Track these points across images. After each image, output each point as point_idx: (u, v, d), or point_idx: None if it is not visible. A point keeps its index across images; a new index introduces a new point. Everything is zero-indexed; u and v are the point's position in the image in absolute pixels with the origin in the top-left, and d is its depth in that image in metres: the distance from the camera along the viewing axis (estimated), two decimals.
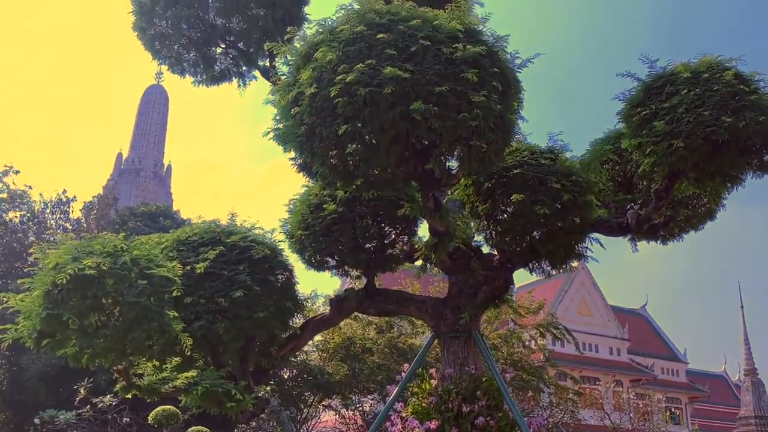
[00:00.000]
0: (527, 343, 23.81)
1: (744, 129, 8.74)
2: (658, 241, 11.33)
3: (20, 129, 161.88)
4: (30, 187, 36.16)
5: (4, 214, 35.18)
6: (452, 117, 7.77)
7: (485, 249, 11.15)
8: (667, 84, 9.46)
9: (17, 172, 35.08)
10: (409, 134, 8.03)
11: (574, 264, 11.27)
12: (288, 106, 8.36)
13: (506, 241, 10.53)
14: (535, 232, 10.29)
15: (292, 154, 9.54)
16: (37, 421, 25.55)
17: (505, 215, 10.33)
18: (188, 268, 10.31)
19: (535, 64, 9.14)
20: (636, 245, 11.31)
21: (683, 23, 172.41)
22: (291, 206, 11.64)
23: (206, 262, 10.53)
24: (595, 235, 10.86)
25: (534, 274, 11.05)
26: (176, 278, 9.15)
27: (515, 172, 10.05)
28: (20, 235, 35.36)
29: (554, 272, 10.91)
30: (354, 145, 7.95)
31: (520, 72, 8.94)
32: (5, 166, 34.67)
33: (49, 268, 8.26)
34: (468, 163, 8.60)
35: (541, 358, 24.96)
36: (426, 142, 8.39)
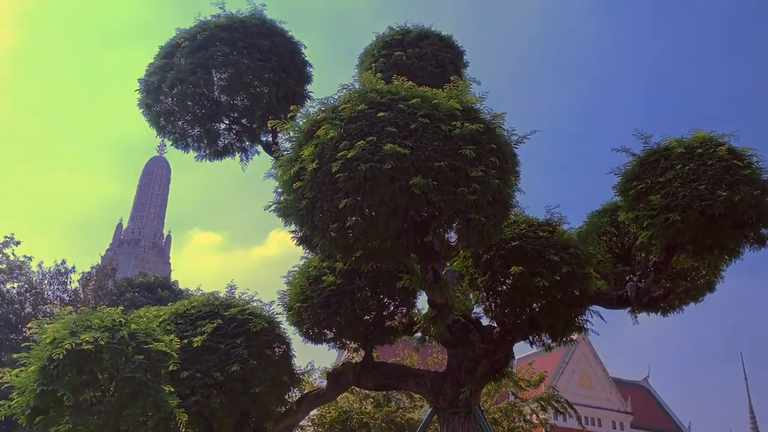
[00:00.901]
0: (528, 417, 23.25)
1: (739, 203, 8.89)
2: (659, 313, 11.30)
3: (23, 195, 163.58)
4: (30, 258, 35.99)
5: (1, 285, 34.98)
6: (451, 191, 7.92)
7: (485, 321, 11.10)
8: (661, 159, 9.70)
9: (18, 243, 35.04)
10: (408, 208, 8.16)
11: (575, 336, 11.18)
12: (290, 180, 8.52)
13: (506, 313, 10.50)
14: (534, 305, 10.29)
15: (293, 226, 9.61)
16: None
17: (505, 287, 10.35)
18: (186, 341, 10.23)
19: (532, 138, 9.38)
20: (636, 318, 11.28)
21: (678, 97, 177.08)
22: (290, 278, 11.65)
23: (204, 335, 10.48)
24: (595, 307, 10.83)
25: (534, 347, 10.96)
26: (173, 352, 9.05)
27: (514, 244, 10.14)
28: (17, 306, 35.03)
29: (555, 345, 10.82)
30: (354, 218, 8.05)
31: (517, 148, 9.15)
32: (5, 236, 34.72)
33: (46, 343, 8.17)
34: (467, 236, 8.69)
35: None
36: (425, 216, 8.52)
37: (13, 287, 35.36)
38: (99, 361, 8.22)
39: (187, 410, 9.63)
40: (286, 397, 11.59)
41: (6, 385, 8.36)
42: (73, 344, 7.96)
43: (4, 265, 34.62)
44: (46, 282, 37.54)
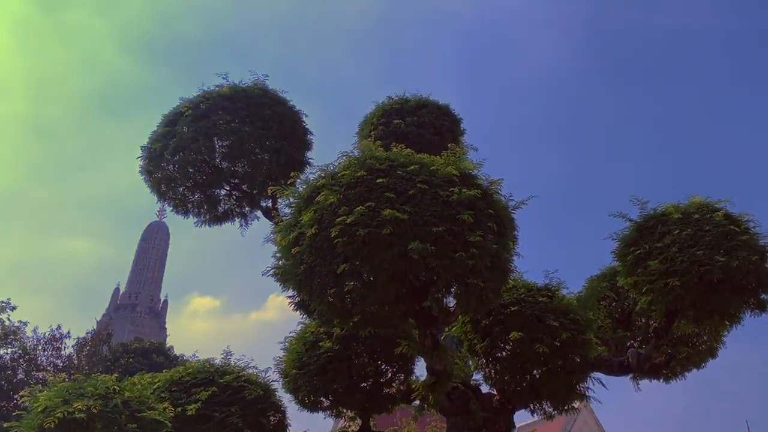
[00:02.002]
0: None
1: (738, 268, 8.90)
2: (661, 380, 11.13)
3: (21, 260, 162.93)
4: (25, 323, 35.73)
5: None
6: (449, 256, 7.93)
7: (484, 388, 10.89)
8: (658, 224, 9.77)
9: (14, 308, 34.82)
10: (407, 272, 8.15)
11: (576, 404, 10.96)
12: (289, 245, 8.54)
13: (506, 380, 10.33)
14: (535, 371, 10.13)
15: (291, 291, 9.58)
16: None
17: (504, 353, 10.22)
18: (180, 409, 10.03)
19: (529, 203, 9.48)
20: (638, 385, 11.10)
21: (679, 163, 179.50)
22: (286, 344, 11.51)
23: (198, 403, 10.27)
24: (597, 374, 10.67)
25: (535, 415, 10.72)
26: (167, 421, 8.85)
27: (513, 309, 10.08)
28: (9, 372, 34.45)
29: (556, 413, 10.59)
30: (352, 283, 8.03)
31: (514, 213, 9.24)
32: (1, 302, 34.47)
33: (38, 412, 8.01)
34: (466, 301, 8.65)
35: None
36: (424, 280, 8.51)
37: (7, 353, 34.92)
38: (92, 430, 8.04)
39: None
40: None
41: None
42: (66, 413, 7.79)
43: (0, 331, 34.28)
44: (40, 348, 37.08)
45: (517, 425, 32.68)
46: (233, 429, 10.07)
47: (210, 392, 10.52)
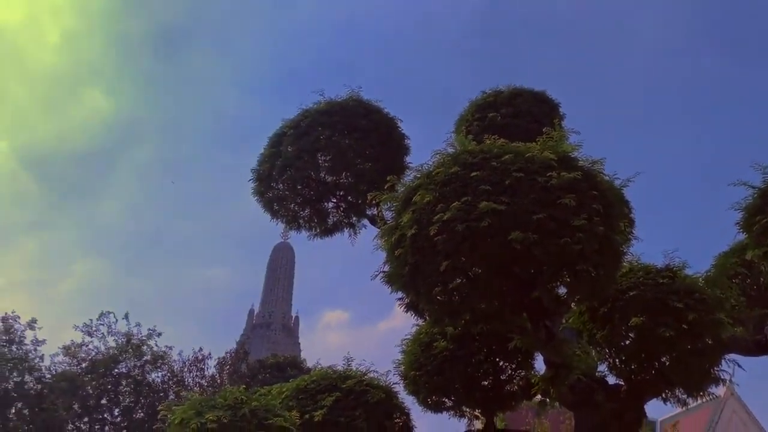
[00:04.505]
0: None
1: None
2: None
3: (165, 291, 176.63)
4: (170, 348, 38.55)
5: (147, 375, 37.46)
6: (553, 243, 7.68)
7: (610, 379, 10.38)
8: None
9: (159, 334, 37.71)
10: (511, 264, 8.00)
11: (714, 390, 10.19)
12: (392, 248, 8.65)
13: (632, 369, 9.80)
14: (663, 357, 9.53)
15: (400, 294, 9.68)
16: None
17: (627, 341, 9.71)
18: (307, 416, 10.39)
19: (649, 184, 9.02)
20: None
21: None
22: (403, 347, 11.62)
23: (323, 409, 10.58)
24: (733, 356, 9.88)
25: (669, 404, 10.08)
26: (293, 427, 9.21)
27: (632, 294, 9.55)
28: (161, 394, 37.26)
29: (691, 401, 9.89)
30: (457, 280, 8.00)
31: (621, 191, 8.82)
32: (149, 329, 37.41)
33: (175, 424, 8.63)
34: (577, 289, 8.36)
35: None
36: (531, 271, 8.31)
37: (158, 376, 37.79)
38: None
39: None
40: None
41: None
42: (199, 423, 8.35)
43: (149, 356, 37.18)
44: (185, 369, 39.78)
45: (659, 419, 30.88)
46: None
47: (334, 398, 10.80)
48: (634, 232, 10.06)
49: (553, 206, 7.86)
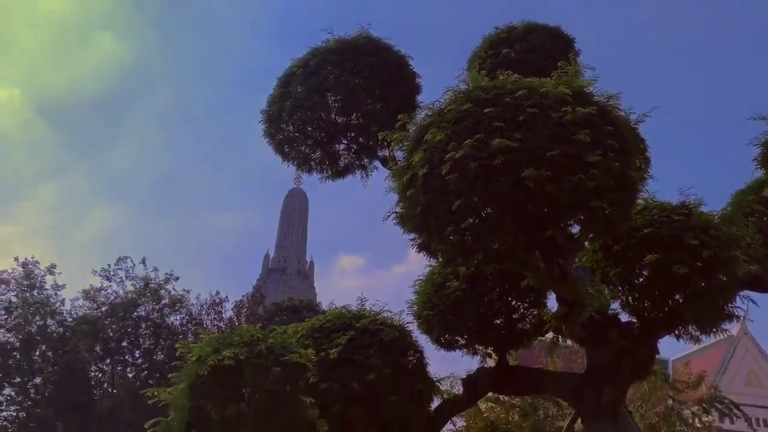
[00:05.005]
0: (690, 421, 21.54)
1: None
2: None
3: (180, 236, 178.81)
4: (188, 291, 39.21)
5: (166, 318, 38.25)
6: (567, 180, 7.57)
7: (623, 317, 10.40)
8: None
9: (177, 278, 38.31)
10: (524, 202, 7.91)
11: (730, 327, 10.19)
12: (403, 188, 8.58)
13: (645, 306, 9.80)
14: (677, 295, 9.51)
15: (413, 235, 9.64)
16: None
17: (641, 279, 9.67)
18: (322, 354, 10.53)
19: (666, 122, 8.80)
20: None
21: None
22: (416, 287, 11.67)
23: (338, 347, 10.71)
24: (748, 293, 9.84)
25: (682, 341, 10.12)
26: (309, 364, 9.34)
27: (646, 231, 9.46)
28: (181, 336, 38.13)
29: (703, 338, 9.92)
30: (469, 220, 7.94)
31: (637, 128, 8.62)
32: (166, 273, 37.98)
33: (193, 361, 8.78)
34: (591, 227, 8.27)
35: None
36: (544, 209, 8.22)
37: (176, 319, 38.61)
38: (241, 376, 8.69)
39: (329, 421, 9.92)
40: (425, 405, 11.55)
41: (162, 404, 9.08)
42: (216, 360, 8.48)
43: (167, 300, 37.90)
44: (203, 313, 40.58)
45: (671, 359, 31.19)
46: (374, 369, 10.38)
47: (349, 336, 10.91)
48: (649, 170, 9.91)
49: (568, 142, 7.72)
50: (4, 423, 34.61)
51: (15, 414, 34.81)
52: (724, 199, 11.39)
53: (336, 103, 13.86)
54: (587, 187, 7.56)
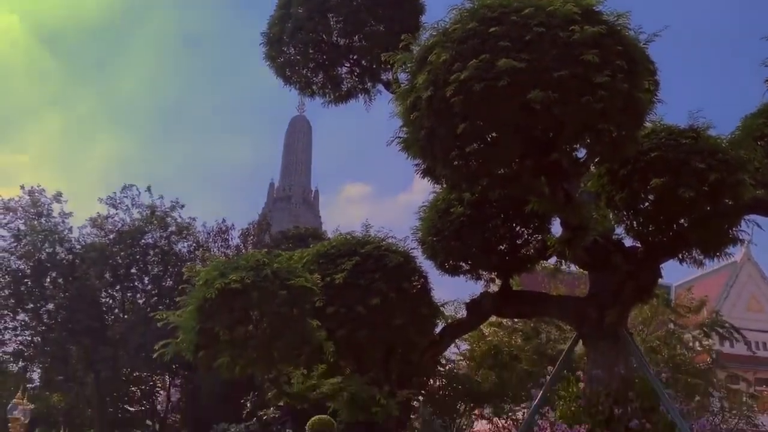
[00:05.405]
0: (690, 344, 22.00)
1: None
2: None
3: (184, 162, 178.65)
4: (194, 219, 39.41)
5: (174, 246, 38.62)
6: (574, 102, 7.38)
7: (627, 242, 10.43)
8: None
9: (182, 206, 38.39)
10: (530, 126, 7.77)
11: (734, 251, 10.22)
12: (407, 112, 8.41)
13: (650, 231, 9.80)
14: (681, 219, 9.48)
15: (417, 160, 9.54)
16: None
17: (646, 203, 9.62)
18: (328, 279, 10.68)
19: (674, 39, 8.50)
20: None
21: None
22: (421, 213, 11.68)
23: (344, 272, 10.85)
24: (753, 217, 9.80)
25: (685, 264, 10.16)
26: (315, 288, 9.48)
27: (653, 155, 9.33)
28: (188, 263, 38.61)
29: (707, 262, 9.95)
30: (475, 144, 7.82)
31: (646, 48, 8.34)
32: (172, 201, 38.05)
33: (200, 285, 8.91)
34: (597, 150, 8.15)
35: (708, 360, 22.94)
36: (550, 133, 8.09)
37: (184, 246, 38.98)
38: (248, 299, 8.84)
39: (335, 343, 10.17)
40: (429, 329, 11.80)
41: (171, 326, 9.28)
42: (222, 284, 8.60)
43: (174, 227, 38.16)
44: (210, 240, 40.93)
45: (673, 284, 31.39)
46: (379, 294, 10.54)
47: (354, 261, 11.04)
48: (658, 93, 9.68)
49: (575, 63, 7.48)
50: (20, 347, 35.65)
51: (30, 338, 35.80)
52: (734, 123, 11.20)
53: (338, 24, 13.47)
54: (595, 109, 7.39)
